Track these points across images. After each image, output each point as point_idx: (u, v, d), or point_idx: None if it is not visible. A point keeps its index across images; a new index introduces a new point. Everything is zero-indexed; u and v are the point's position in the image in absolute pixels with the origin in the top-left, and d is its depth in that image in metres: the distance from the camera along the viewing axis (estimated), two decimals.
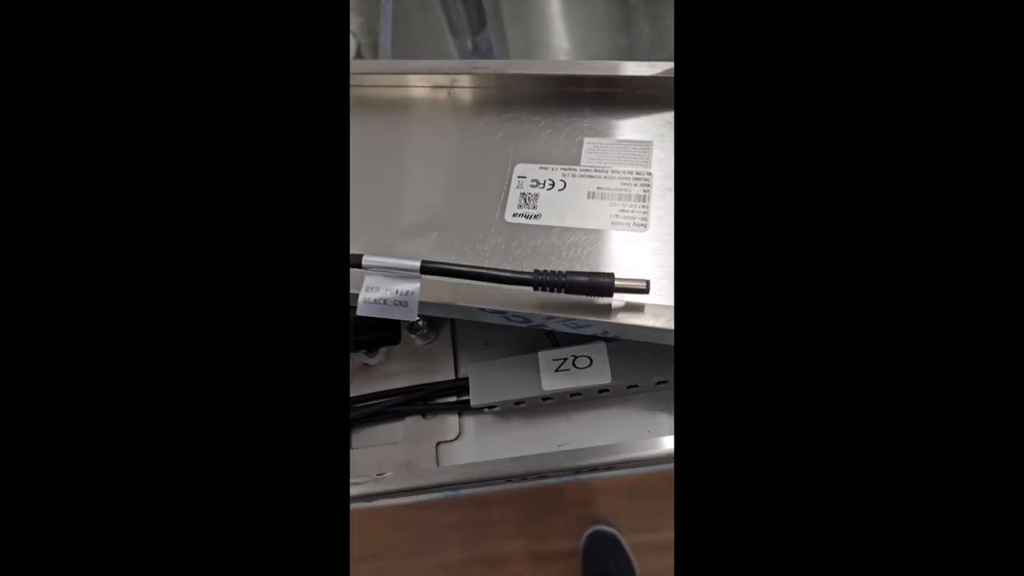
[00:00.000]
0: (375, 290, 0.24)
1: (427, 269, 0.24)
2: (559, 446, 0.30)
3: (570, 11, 0.98)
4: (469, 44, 0.83)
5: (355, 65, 0.34)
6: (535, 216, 0.28)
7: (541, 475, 0.28)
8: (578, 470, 0.28)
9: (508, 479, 0.28)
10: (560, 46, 0.97)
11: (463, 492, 0.88)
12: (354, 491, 0.29)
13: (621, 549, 0.85)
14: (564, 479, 0.83)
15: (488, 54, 0.87)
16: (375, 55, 0.95)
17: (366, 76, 0.34)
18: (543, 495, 0.93)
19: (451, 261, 0.25)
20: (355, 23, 0.97)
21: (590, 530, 0.88)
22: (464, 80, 0.32)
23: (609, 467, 0.29)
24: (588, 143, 0.30)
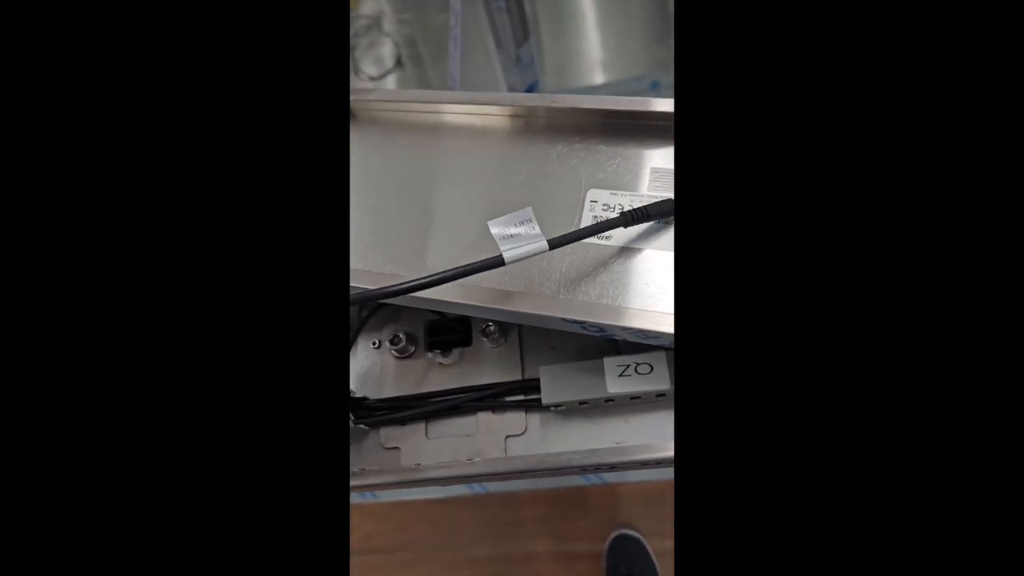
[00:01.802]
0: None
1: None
2: (617, 443, 0.34)
3: (606, 23, 1.01)
4: (513, 56, 0.87)
5: (440, 95, 0.38)
6: (607, 237, 0.31)
7: (612, 467, 0.31)
8: (644, 463, 0.31)
9: (583, 468, 0.31)
10: (596, 56, 1.00)
11: (493, 489, 0.90)
12: (448, 472, 0.33)
13: (645, 553, 0.87)
14: (591, 482, 0.85)
15: (531, 65, 0.91)
16: (415, 65, 1.00)
17: (448, 105, 0.37)
18: (569, 497, 0.95)
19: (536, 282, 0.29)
20: (399, 35, 1.01)
21: (615, 533, 0.90)
22: (541, 111, 0.35)
23: (663, 463, 0.32)
24: (654, 172, 0.33)
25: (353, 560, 0.97)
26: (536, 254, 0.28)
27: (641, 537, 0.89)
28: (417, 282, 0.27)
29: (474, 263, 0.27)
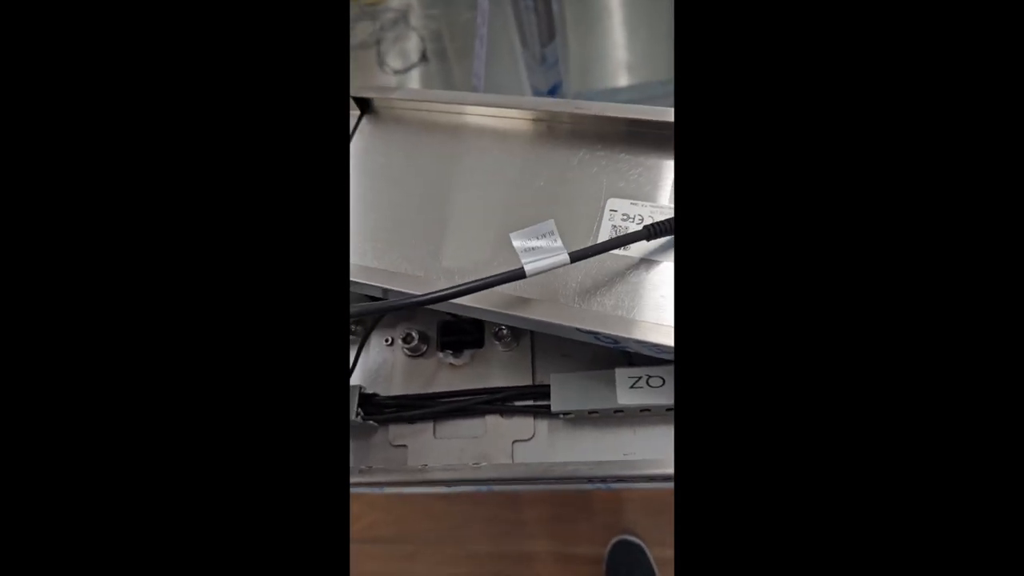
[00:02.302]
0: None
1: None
2: (625, 455, 0.34)
3: (634, 24, 1.00)
4: (538, 55, 0.86)
5: (464, 96, 0.38)
6: (625, 248, 0.31)
7: (619, 479, 0.31)
8: (652, 478, 0.31)
9: (590, 479, 0.31)
10: (621, 58, 0.99)
11: (496, 488, 0.90)
12: (454, 475, 0.33)
13: (646, 560, 0.87)
14: (595, 486, 0.85)
15: (556, 65, 0.90)
16: (440, 60, 1.00)
17: (471, 106, 0.37)
18: (572, 500, 0.95)
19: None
20: (426, 29, 1.01)
21: (616, 539, 0.90)
22: (564, 117, 0.35)
23: (670, 479, 0.32)
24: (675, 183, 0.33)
25: (354, 548, 0.99)
26: (557, 267, 0.28)
27: (643, 544, 0.89)
28: (435, 295, 0.28)
29: (493, 276, 0.27)
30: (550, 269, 0.28)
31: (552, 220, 0.28)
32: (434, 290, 0.28)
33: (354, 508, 1.00)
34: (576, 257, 0.28)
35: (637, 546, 0.89)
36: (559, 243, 0.28)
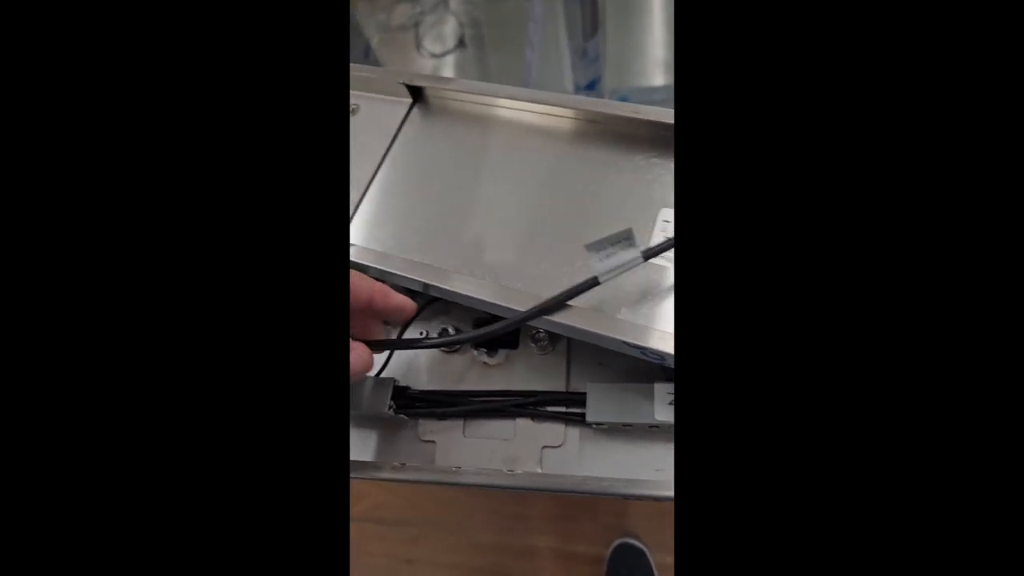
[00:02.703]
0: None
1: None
2: (656, 471, 0.33)
3: (672, 23, 0.98)
4: (580, 49, 0.85)
5: (520, 92, 0.37)
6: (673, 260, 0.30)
7: (654, 499, 0.30)
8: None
9: (624, 496, 0.31)
10: (659, 56, 0.97)
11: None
12: (488, 480, 0.33)
13: (647, 565, 0.87)
14: None
15: (596, 60, 0.89)
16: (477, 47, 0.98)
17: (528, 103, 0.37)
18: (578, 499, 0.95)
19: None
20: (466, 15, 1.00)
21: (619, 541, 0.90)
22: (622, 121, 0.34)
23: None
24: None
25: (360, 527, 1.00)
26: (631, 268, 0.28)
27: (645, 549, 0.89)
28: (522, 315, 0.29)
29: (570, 289, 0.28)
30: (624, 272, 0.28)
31: (631, 228, 0.28)
32: (518, 313, 0.29)
33: (362, 488, 1.01)
34: (648, 255, 0.28)
35: (639, 550, 0.89)
36: (634, 247, 0.28)
